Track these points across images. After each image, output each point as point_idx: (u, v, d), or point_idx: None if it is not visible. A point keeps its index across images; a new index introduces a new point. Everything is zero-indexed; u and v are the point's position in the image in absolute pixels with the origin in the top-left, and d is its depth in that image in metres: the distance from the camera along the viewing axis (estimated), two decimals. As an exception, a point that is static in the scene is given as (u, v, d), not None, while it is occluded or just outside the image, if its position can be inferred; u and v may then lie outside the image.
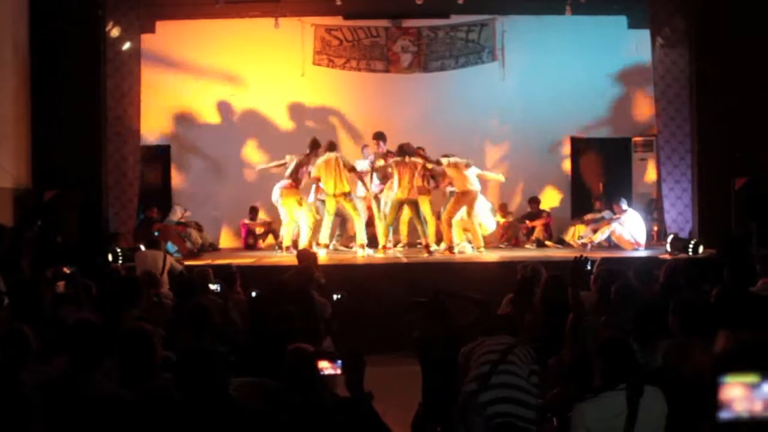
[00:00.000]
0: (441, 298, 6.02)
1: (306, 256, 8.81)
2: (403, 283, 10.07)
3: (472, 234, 12.35)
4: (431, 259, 11.62)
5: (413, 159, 11.99)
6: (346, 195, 11.98)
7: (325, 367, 4.08)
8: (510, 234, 13.95)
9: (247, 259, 11.96)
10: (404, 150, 12.05)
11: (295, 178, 12.30)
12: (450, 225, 12.05)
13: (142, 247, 10.44)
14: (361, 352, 4.09)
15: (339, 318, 7.59)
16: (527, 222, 13.95)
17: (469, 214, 12.23)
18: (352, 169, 12.09)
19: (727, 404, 2.60)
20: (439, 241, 12.60)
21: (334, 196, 11.92)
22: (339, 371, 4.09)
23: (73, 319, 4.83)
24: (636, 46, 13.62)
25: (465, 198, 12.01)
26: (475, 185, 12.09)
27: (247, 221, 14.35)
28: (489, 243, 12.95)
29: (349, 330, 7.91)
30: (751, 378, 2.60)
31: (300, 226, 12.35)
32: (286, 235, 12.63)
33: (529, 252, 12.83)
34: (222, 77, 14.75)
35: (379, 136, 12.68)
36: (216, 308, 6.09)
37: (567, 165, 15.04)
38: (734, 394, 2.59)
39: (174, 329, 5.52)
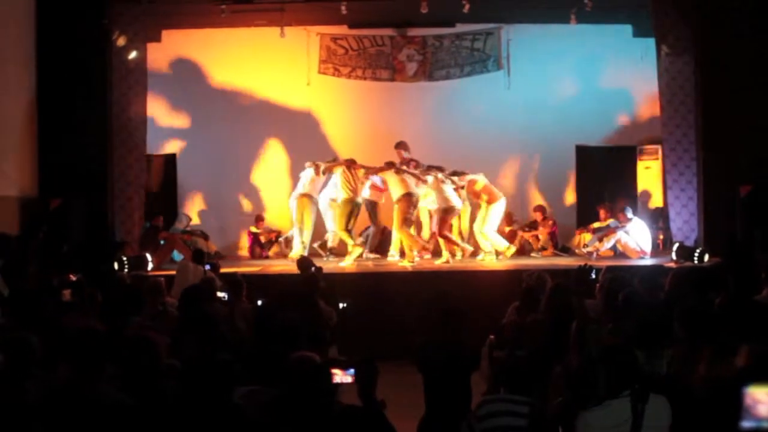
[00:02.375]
0: (454, 307, 6.00)
1: (307, 264, 8.82)
2: (409, 291, 10.12)
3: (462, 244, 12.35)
4: (437, 268, 11.62)
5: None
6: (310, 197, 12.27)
7: (337, 375, 4.06)
8: (515, 242, 13.92)
9: (252, 267, 11.96)
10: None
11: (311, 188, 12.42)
12: (445, 237, 12.05)
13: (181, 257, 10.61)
14: (373, 361, 4.06)
15: (344, 326, 7.59)
16: (533, 230, 13.93)
17: (452, 228, 12.28)
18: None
19: (750, 413, 2.59)
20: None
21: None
22: (351, 379, 4.06)
23: (76, 326, 4.84)
24: (641, 54, 13.61)
25: (450, 214, 12.06)
26: (454, 201, 12.09)
27: (252, 230, 14.36)
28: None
29: (354, 338, 7.93)
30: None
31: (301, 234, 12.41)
32: (295, 244, 12.65)
33: (534, 260, 12.81)
34: (228, 86, 14.79)
35: (401, 145, 12.63)
36: (222, 316, 6.09)
37: (572, 173, 15.01)
38: (757, 403, 2.59)
39: (180, 337, 5.53)
